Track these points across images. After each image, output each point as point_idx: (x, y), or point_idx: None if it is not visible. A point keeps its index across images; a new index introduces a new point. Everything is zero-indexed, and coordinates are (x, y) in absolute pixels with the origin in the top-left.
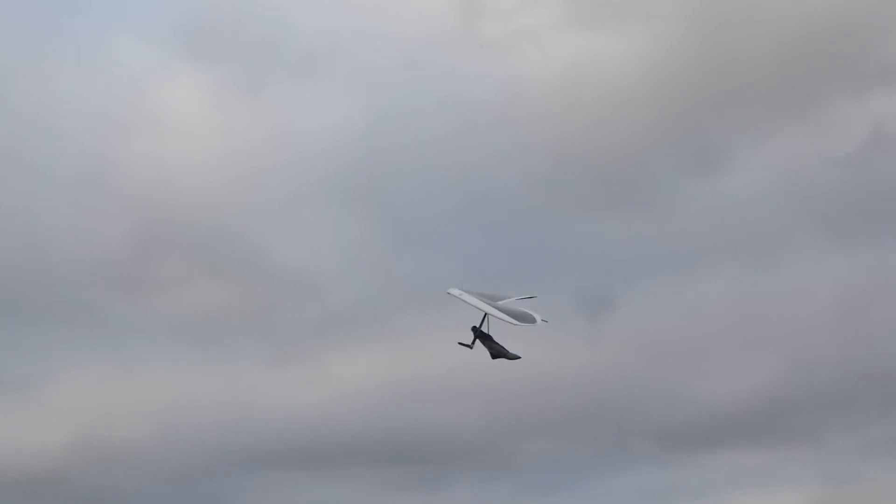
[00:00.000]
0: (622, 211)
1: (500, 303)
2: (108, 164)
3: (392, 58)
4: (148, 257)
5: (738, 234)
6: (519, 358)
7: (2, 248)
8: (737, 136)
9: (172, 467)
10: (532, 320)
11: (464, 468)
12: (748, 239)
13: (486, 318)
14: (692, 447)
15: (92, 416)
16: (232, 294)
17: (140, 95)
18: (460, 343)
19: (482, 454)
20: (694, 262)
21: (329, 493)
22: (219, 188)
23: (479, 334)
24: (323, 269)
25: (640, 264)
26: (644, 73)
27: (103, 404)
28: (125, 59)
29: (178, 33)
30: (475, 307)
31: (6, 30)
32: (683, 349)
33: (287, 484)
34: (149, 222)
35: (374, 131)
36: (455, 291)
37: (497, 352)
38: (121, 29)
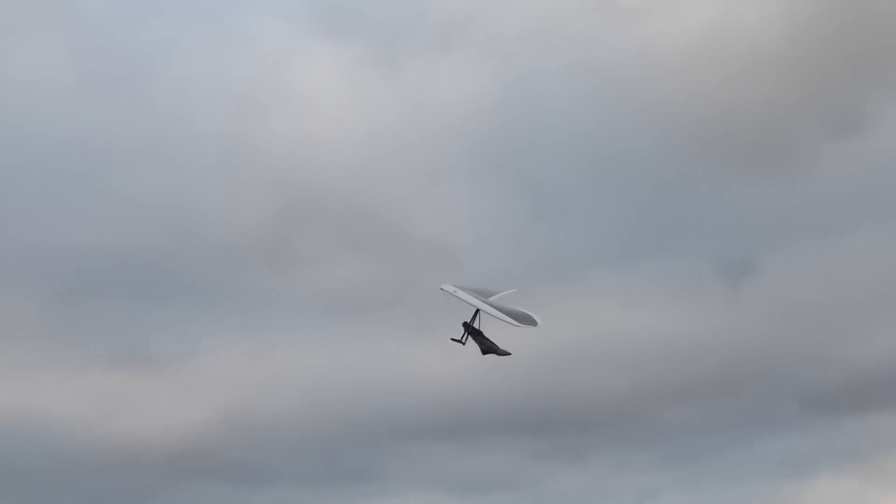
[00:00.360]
0: (762, 175)
1: (491, 299)
2: (249, 143)
3: (526, 27)
4: (289, 234)
5: (881, 195)
6: (509, 354)
7: (147, 228)
8: (880, 96)
9: (316, 440)
10: (533, 322)
11: (606, 437)
12: (892, 201)
13: (477, 315)
14: (836, 411)
15: (237, 391)
16: (372, 268)
17: (279, 73)
18: (452, 339)
19: (624, 423)
20: (837, 225)
21: (472, 463)
22: (357, 164)
23: (470, 330)
24: (460, 241)
25: (780, 228)
26: (782, 34)
27: (248, 380)
28: (264, 37)
29: (316, 10)
30: (473, 305)
31: (146, 10)
32: (826, 313)
33: (430, 455)
34: (290, 199)
35: (510, 102)
36: (449, 288)
37: (488, 348)
38: (259, 7)
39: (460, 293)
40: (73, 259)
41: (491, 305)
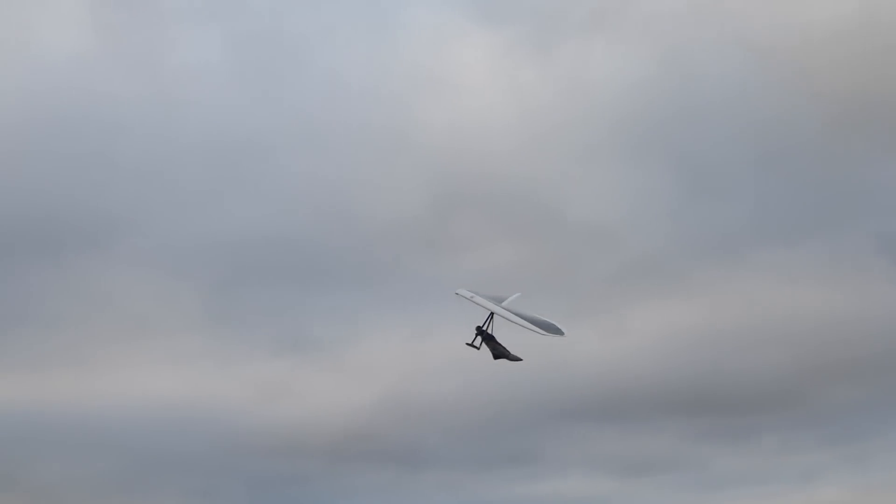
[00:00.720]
0: None
1: (504, 304)
2: (406, 130)
3: (680, 5)
4: (447, 219)
5: None
6: (521, 360)
7: (307, 216)
8: None
9: (476, 424)
10: (559, 332)
11: (769, 417)
12: None
13: (491, 319)
14: None
15: (398, 376)
16: (529, 250)
17: (434, 60)
18: (468, 344)
19: (787, 403)
20: None
21: (633, 445)
22: (513, 147)
23: (482, 335)
24: (618, 222)
25: None
26: None
27: (409, 364)
28: (419, 24)
29: None
30: (499, 314)
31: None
32: None
33: (590, 437)
34: (447, 185)
35: (667, 80)
36: (465, 293)
37: (499, 353)
38: None
39: (478, 298)
40: (234, 248)
41: (511, 312)
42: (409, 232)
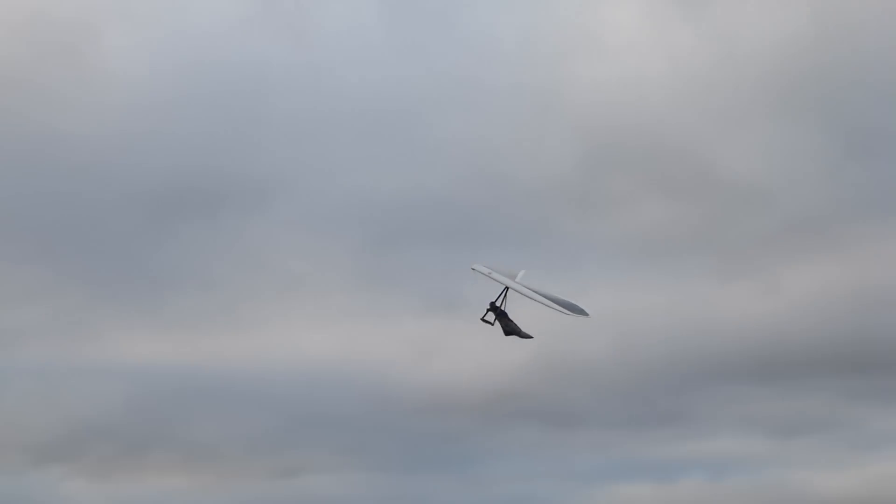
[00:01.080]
0: None
1: (517, 279)
2: (557, 87)
3: None
4: (597, 177)
5: None
6: (531, 338)
7: (457, 175)
8: None
9: (629, 383)
10: (583, 312)
11: None
12: None
13: (505, 295)
14: None
15: (550, 334)
16: (681, 210)
17: (584, 18)
18: (482, 319)
19: None
20: None
21: (786, 405)
22: (664, 105)
23: (496, 311)
24: (771, 181)
25: None
26: None
27: (560, 322)
28: None
29: None
30: (523, 294)
31: None
32: None
33: (745, 396)
34: (598, 142)
35: (820, 36)
36: (483, 269)
37: (511, 330)
38: None
39: (495, 275)
40: (386, 208)
41: (529, 289)
42: (559, 191)
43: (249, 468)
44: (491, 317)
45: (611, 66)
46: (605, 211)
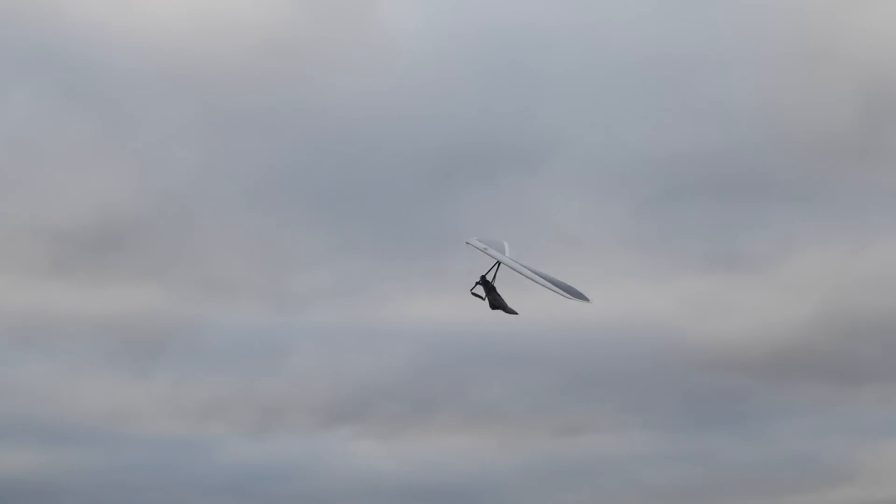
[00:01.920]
0: None
1: (507, 256)
2: (834, 38)
3: None
4: (880, 128)
5: None
6: (517, 314)
7: (736, 130)
8: None
9: None
10: (584, 298)
11: None
12: None
13: (496, 269)
14: None
15: (835, 289)
16: None
17: None
18: (473, 293)
19: None
20: None
21: None
22: None
23: (484, 284)
24: None
25: None
26: None
27: (846, 276)
28: None
29: None
30: (521, 273)
31: None
32: None
33: None
34: (879, 93)
35: None
36: (478, 244)
37: (497, 304)
38: None
39: (491, 251)
40: (664, 165)
41: (543, 277)
42: (840, 143)
43: (532, 427)
44: (481, 290)
45: (890, 14)
46: (888, 162)
